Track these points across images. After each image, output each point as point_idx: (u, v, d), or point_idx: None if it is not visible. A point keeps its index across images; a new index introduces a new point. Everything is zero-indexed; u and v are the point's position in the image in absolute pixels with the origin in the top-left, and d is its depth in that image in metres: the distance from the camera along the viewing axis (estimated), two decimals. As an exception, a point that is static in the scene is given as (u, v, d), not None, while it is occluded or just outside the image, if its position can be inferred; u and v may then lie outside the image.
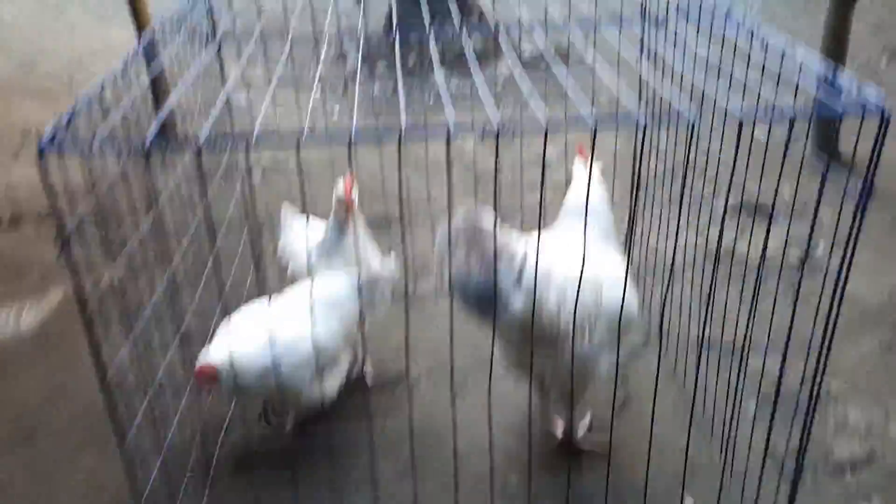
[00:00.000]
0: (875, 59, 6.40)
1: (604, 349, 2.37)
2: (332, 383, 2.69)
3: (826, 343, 2.02)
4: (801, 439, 2.16)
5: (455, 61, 5.93)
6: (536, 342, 2.09)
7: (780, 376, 2.18)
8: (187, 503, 2.52)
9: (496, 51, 6.50)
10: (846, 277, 1.93)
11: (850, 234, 1.90)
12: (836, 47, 4.76)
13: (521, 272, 2.19)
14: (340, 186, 2.76)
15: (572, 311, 2.12)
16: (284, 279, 3.10)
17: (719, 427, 2.60)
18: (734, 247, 3.29)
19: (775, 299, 2.19)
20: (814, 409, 2.13)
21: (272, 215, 3.26)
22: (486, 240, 2.16)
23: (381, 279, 2.85)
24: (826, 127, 4.88)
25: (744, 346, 2.28)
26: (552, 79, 2.19)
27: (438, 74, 2.11)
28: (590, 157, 2.10)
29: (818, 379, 2.07)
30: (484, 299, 2.15)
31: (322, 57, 2.50)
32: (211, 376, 2.35)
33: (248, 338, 2.44)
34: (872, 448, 2.75)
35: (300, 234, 3.07)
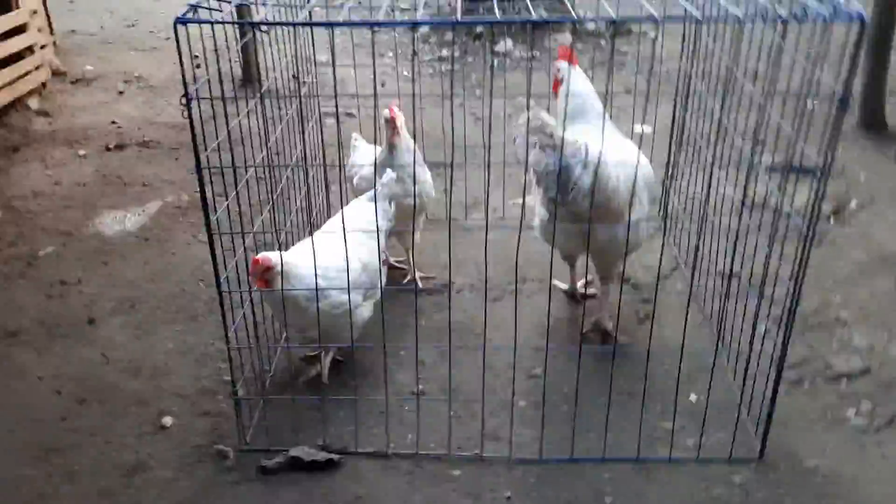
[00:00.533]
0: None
1: (645, 214, 2.98)
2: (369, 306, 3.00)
3: (802, 265, 2.32)
4: (784, 341, 2.45)
5: (518, 33, 6.30)
6: (599, 214, 2.64)
7: (788, 303, 2.48)
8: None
9: (555, 25, 6.83)
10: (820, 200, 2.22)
11: (829, 140, 2.16)
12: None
13: (586, 156, 2.71)
14: (387, 111, 3.22)
15: (628, 185, 2.76)
16: (352, 192, 3.55)
17: (732, 341, 2.88)
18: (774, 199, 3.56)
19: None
20: (793, 318, 2.42)
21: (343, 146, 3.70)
22: (552, 134, 2.66)
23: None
24: (873, 104, 5.07)
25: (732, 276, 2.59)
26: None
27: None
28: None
29: (797, 290, 2.36)
30: (558, 179, 2.67)
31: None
32: (266, 269, 2.60)
33: (303, 255, 2.75)
34: (870, 363, 3.02)
35: (365, 154, 3.55)
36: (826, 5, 2.04)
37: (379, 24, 2.14)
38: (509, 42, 6.93)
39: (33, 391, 2.96)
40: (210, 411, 2.86)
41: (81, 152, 4.89)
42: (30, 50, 5.60)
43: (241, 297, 2.68)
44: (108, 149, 4.94)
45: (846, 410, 2.82)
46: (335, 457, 2.62)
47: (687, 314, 2.54)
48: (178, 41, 2.07)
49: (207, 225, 2.35)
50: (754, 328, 2.57)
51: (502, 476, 2.57)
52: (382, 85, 5.56)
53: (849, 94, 2.04)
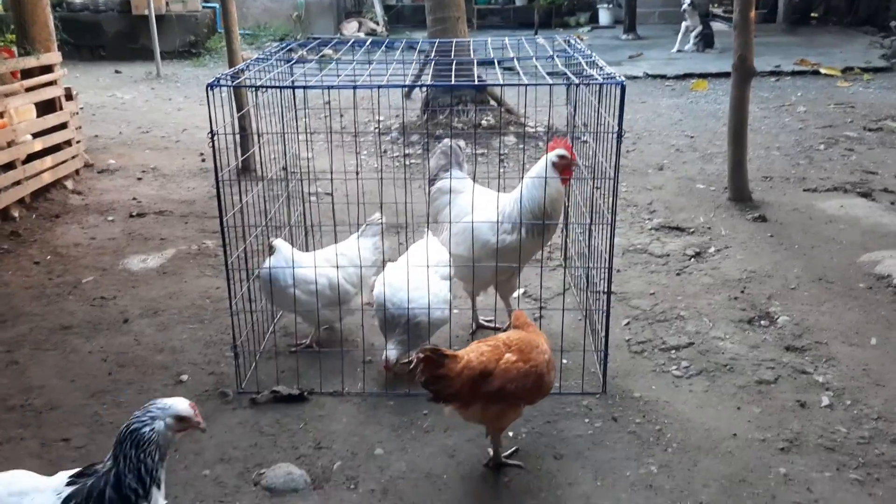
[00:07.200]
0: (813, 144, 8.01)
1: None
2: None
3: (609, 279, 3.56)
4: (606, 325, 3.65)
5: (471, 133, 7.77)
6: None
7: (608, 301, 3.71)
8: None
9: (503, 127, 8.38)
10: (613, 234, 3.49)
11: (615, 167, 3.46)
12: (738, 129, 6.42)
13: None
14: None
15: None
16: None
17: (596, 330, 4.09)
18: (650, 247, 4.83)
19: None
20: (608, 310, 3.66)
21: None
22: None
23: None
24: (738, 182, 6.48)
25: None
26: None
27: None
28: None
29: (609, 292, 3.58)
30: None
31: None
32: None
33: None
34: (693, 340, 4.19)
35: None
36: (602, 76, 3.40)
37: (377, 85, 3.45)
38: (462, 142, 8.42)
39: (85, 360, 4.04)
40: (215, 372, 3.94)
41: (110, 218, 6.13)
42: (68, 143, 6.94)
43: (240, 280, 3.83)
44: (131, 216, 6.18)
45: (671, 367, 3.96)
46: (305, 393, 3.70)
47: (563, 312, 3.74)
48: (209, 100, 3.34)
49: (221, 221, 3.54)
50: (607, 320, 3.73)
51: (421, 402, 3.65)
52: (357, 174, 6.90)
53: (622, 131, 3.33)
